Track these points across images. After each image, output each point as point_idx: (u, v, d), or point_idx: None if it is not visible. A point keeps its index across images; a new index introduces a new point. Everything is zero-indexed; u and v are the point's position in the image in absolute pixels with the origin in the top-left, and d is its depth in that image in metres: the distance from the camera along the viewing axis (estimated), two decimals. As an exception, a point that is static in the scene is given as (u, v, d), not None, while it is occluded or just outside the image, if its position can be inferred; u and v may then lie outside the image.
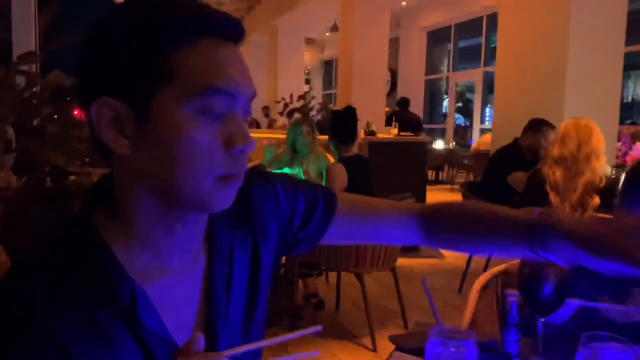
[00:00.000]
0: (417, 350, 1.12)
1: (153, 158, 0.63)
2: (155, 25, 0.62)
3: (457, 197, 8.54)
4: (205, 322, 0.71)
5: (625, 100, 6.66)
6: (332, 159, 3.55)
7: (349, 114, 3.62)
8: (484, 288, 1.62)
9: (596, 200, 2.65)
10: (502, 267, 1.69)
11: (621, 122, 6.43)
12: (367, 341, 3.09)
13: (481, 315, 1.56)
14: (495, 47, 6.82)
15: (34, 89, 4.27)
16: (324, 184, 3.12)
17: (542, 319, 1.11)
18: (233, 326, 0.74)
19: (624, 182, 1.31)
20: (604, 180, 2.68)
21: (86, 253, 0.64)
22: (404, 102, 8.98)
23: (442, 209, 0.92)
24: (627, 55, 5.89)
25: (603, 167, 2.73)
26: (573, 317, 1.18)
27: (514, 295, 1.13)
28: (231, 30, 0.65)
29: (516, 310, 1.09)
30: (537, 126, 4.02)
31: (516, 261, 1.57)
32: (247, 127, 0.67)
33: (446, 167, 11.28)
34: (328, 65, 16.43)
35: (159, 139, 0.62)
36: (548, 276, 1.07)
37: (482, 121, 11.44)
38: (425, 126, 11.09)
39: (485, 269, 3.37)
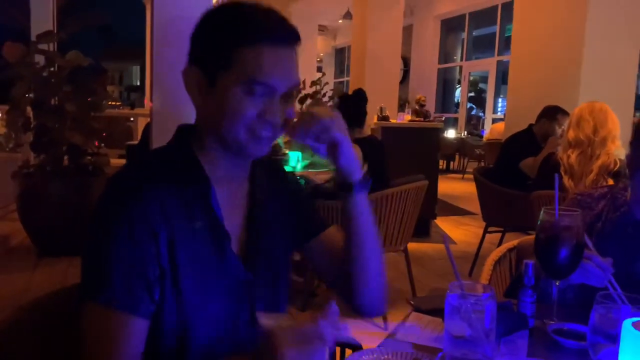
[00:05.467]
0: (434, 311, 1.16)
1: (213, 112, 0.91)
2: (227, 27, 0.88)
3: (469, 185, 8.53)
4: (246, 223, 1.00)
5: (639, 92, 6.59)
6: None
7: (360, 96, 3.62)
8: (498, 261, 1.65)
9: (610, 183, 2.66)
10: (515, 242, 1.72)
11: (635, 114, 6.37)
12: (378, 320, 3.13)
13: (495, 287, 1.60)
14: (509, 37, 6.78)
15: (52, 68, 4.32)
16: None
17: (557, 283, 1.15)
18: (267, 236, 1.01)
19: (633, 135, 1.34)
20: (618, 163, 2.69)
21: (183, 160, 0.93)
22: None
23: None
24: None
25: (618, 150, 2.74)
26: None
27: (530, 260, 1.16)
28: (285, 37, 0.90)
29: (532, 272, 1.12)
30: (552, 113, 4.02)
31: (530, 237, 1.61)
32: (282, 107, 0.91)
33: (457, 157, 11.26)
34: (340, 53, 16.38)
35: (217, 101, 0.89)
36: (564, 240, 1.10)
37: (495, 111, 11.39)
38: (437, 115, 11.15)
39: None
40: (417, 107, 10.12)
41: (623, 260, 1.25)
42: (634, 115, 5.61)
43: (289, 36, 0.90)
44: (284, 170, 1.15)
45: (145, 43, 11.56)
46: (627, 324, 0.76)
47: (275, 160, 1.18)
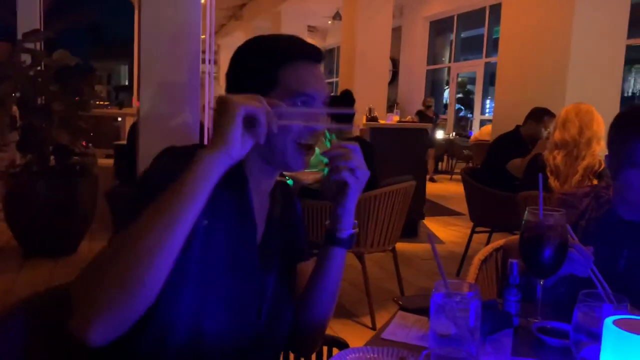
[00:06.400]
0: (421, 310, 1.17)
1: None
2: (269, 52, 1.01)
3: (457, 186, 8.58)
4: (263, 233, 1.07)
5: (625, 94, 6.67)
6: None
7: (348, 96, 3.63)
8: (485, 261, 1.67)
9: (594, 183, 2.69)
10: (501, 241, 1.73)
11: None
12: (366, 320, 3.15)
13: (481, 286, 1.61)
14: (497, 38, 6.83)
15: (39, 67, 4.28)
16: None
17: (541, 282, 1.16)
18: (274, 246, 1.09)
19: (609, 136, 1.36)
20: (603, 164, 2.73)
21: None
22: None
23: None
24: (629, 49, 5.91)
25: (603, 151, 2.77)
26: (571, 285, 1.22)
27: (515, 259, 1.18)
28: (315, 56, 1.03)
29: (517, 271, 1.13)
30: (539, 115, 4.06)
31: (515, 236, 1.62)
32: (322, 117, 1.04)
33: (446, 158, 11.31)
34: (330, 54, 16.40)
35: None
36: (548, 240, 1.11)
37: (483, 112, 11.46)
38: (442, 116, 11.41)
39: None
40: (423, 109, 10.27)
41: (606, 257, 1.27)
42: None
43: (318, 53, 1.04)
44: (294, 195, 1.23)
45: (133, 42, 11.49)
46: (608, 322, 0.77)
47: (288, 184, 1.24)
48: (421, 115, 9.83)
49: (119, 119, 8.91)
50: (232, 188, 0.99)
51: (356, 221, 1.08)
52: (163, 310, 0.90)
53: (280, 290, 1.07)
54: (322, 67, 1.07)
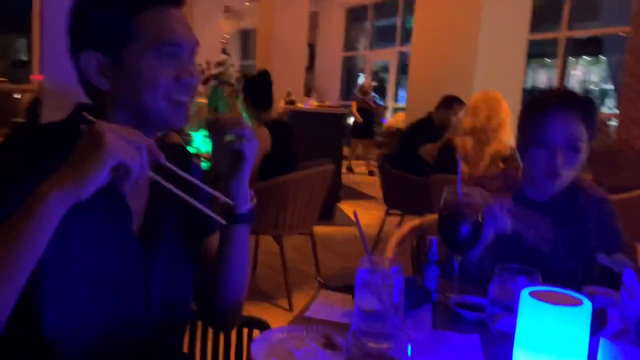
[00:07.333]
0: (343, 288, 1.17)
1: (128, 90, 0.89)
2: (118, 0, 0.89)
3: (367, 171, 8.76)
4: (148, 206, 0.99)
5: (527, 86, 7.12)
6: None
7: (265, 77, 3.56)
8: (402, 241, 1.71)
9: (501, 168, 2.85)
10: (417, 221, 1.78)
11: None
12: (283, 302, 3.15)
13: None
14: (410, 28, 7.02)
15: None
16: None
17: (459, 258, 1.20)
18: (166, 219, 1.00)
19: (522, 110, 1.44)
20: (508, 150, 2.89)
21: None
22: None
23: None
24: (532, 44, 6.32)
25: (509, 137, 2.93)
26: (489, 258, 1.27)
27: (434, 237, 1.21)
28: None
29: (435, 247, 1.17)
30: (449, 102, 4.24)
31: (432, 216, 1.68)
32: (192, 69, 0.93)
33: (360, 145, 11.51)
34: (246, 35, 16.11)
35: (131, 77, 0.89)
36: (465, 217, 1.15)
37: (396, 100, 11.77)
38: (342, 102, 11.30)
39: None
40: (359, 95, 9.53)
41: (515, 236, 1.34)
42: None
43: None
44: (191, 159, 1.11)
45: (30, 15, 10.64)
46: (524, 293, 0.81)
47: (184, 147, 1.13)
48: (358, 102, 9.19)
49: (18, 95, 8.26)
50: None
51: (251, 190, 1.02)
52: (35, 311, 0.83)
53: (175, 274, 1.00)
54: (183, 11, 0.95)
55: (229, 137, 0.95)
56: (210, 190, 0.93)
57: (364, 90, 9.70)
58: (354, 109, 9.11)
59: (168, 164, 0.83)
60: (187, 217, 1.03)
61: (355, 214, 1.00)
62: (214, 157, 1.01)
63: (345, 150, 8.68)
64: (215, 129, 0.96)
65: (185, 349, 1.24)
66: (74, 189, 0.73)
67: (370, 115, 9.17)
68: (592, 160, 1.45)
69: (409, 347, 0.67)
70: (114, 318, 0.90)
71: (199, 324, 1.28)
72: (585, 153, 1.35)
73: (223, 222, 0.94)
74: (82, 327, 0.87)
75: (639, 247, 1.52)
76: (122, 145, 0.74)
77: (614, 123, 5.88)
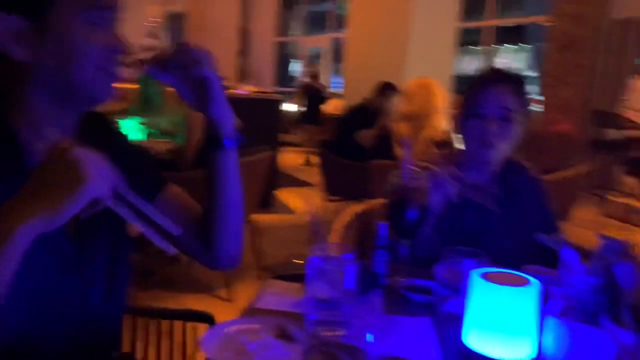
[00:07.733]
0: (293, 277, 1.16)
1: (54, 60, 0.79)
2: None
3: (303, 158, 8.78)
4: None
5: (455, 73, 7.35)
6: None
7: None
8: (346, 226, 1.71)
9: (435, 152, 2.92)
10: (360, 207, 1.79)
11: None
12: (222, 293, 3.10)
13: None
14: (343, 15, 7.07)
15: None
16: (183, 134, 3.01)
17: (406, 242, 1.21)
18: None
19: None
20: (442, 134, 2.96)
21: None
22: None
23: None
24: (462, 32, 6.54)
25: (443, 122, 3.01)
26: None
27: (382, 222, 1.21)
28: None
29: (385, 232, 1.17)
30: (384, 89, 4.30)
31: (377, 201, 1.69)
32: (122, 35, 0.86)
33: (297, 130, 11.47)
34: (175, 19, 15.62)
35: (59, 45, 0.79)
36: (412, 202, 1.16)
37: (330, 86, 11.82)
38: (276, 89, 11.16)
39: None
40: (308, 80, 9.09)
41: (455, 217, 1.38)
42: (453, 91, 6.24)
43: None
44: (111, 125, 1.02)
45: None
46: (475, 274, 0.82)
47: (104, 114, 1.00)
48: (307, 87, 8.78)
49: None
50: (2, 168, 0.78)
51: (238, 119, 0.97)
52: None
53: (110, 266, 0.92)
54: None
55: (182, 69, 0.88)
56: (161, 220, 0.82)
57: (314, 74, 9.32)
58: (299, 95, 8.79)
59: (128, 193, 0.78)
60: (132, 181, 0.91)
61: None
62: (180, 95, 0.92)
63: (293, 137, 8.43)
64: (164, 66, 0.88)
65: (127, 348, 1.18)
66: (47, 221, 0.68)
67: (318, 100, 8.88)
68: (519, 144, 1.52)
69: (369, 334, 0.67)
70: (47, 321, 0.83)
71: (139, 322, 1.23)
72: (519, 127, 1.41)
73: (173, 250, 0.84)
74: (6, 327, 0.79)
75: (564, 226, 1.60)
76: (101, 179, 0.71)
77: (538, 108, 6.18)
